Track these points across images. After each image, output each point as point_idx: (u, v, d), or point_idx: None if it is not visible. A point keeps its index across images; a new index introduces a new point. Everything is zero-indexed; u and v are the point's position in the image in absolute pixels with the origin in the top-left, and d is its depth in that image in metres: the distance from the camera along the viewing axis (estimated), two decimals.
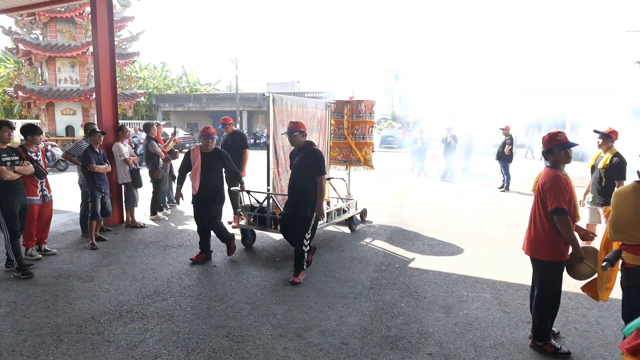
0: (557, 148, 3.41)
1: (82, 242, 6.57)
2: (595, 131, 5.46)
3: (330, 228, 7.26)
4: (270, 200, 5.90)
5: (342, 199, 7.59)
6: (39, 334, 3.74)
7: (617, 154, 5.28)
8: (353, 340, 3.68)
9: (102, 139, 6.55)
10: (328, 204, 7.12)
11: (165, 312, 4.19)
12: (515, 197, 10.60)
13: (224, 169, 5.73)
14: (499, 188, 11.73)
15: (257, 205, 6.16)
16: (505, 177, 11.75)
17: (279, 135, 6.09)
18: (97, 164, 6.28)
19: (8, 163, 4.91)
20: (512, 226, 7.64)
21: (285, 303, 4.38)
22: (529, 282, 5.01)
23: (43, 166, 5.59)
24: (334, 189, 7.69)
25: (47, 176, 5.68)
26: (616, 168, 5.21)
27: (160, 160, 8.00)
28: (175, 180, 8.99)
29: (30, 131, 5.51)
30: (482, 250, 6.26)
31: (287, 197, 5.05)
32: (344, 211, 7.13)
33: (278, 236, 6.58)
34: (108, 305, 4.32)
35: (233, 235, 5.89)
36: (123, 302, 4.41)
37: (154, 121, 9.06)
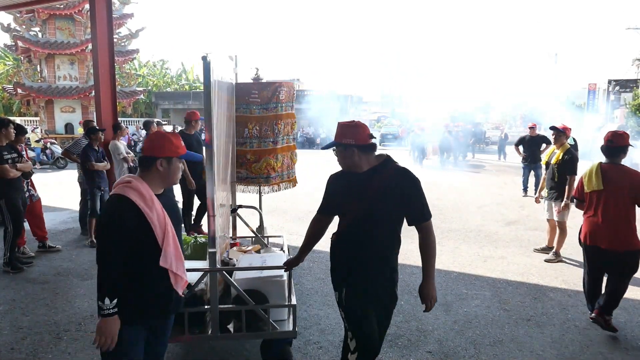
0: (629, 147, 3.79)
1: (82, 239, 6.56)
2: (552, 127, 5.64)
3: None
4: (217, 279, 2.96)
5: (258, 238, 4.58)
6: (38, 332, 3.74)
7: (568, 151, 5.45)
8: None
9: (102, 137, 6.59)
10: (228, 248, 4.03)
11: None
12: (515, 195, 10.59)
13: None
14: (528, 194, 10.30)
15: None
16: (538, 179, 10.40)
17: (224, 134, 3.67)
18: (96, 161, 6.27)
19: (10, 161, 4.91)
20: (512, 224, 7.63)
21: None
22: (528, 280, 5.03)
23: (31, 166, 5.61)
24: (247, 224, 4.56)
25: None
26: (567, 164, 5.37)
27: None
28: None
29: (15, 130, 5.27)
30: (482, 248, 6.25)
31: (339, 264, 2.55)
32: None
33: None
34: None
35: None
36: None
37: (154, 119, 9.04)
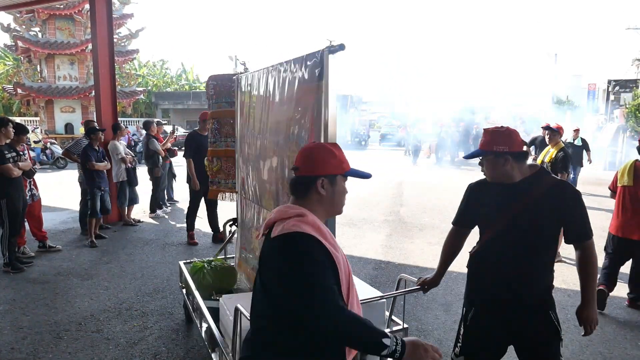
0: None
1: (82, 239, 6.57)
2: (547, 127, 5.71)
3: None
4: None
5: None
6: (38, 332, 3.75)
7: (562, 149, 5.53)
8: None
9: (102, 137, 6.61)
10: None
11: (165, 309, 4.19)
12: None
13: None
14: None
15: None
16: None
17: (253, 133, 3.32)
18: (96, 161, 6.28)
19: (10, 160, 4.93)
20: None
21: None
22: None
23: (31, 165, 5.61)
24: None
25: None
26: (561, 162, 5.46)
27: (160, 158, 7.99)
28: (175, 179, 8.98)
29: (17, 130, 5.26)
30: None
31: (476, 280, 2.44)
32: None
33: None
34: (107, 303, 4.32)
35: None
36: (122, 299, 4.42)
37: (154, 119, 9.04)
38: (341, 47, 2.22)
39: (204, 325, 3.08)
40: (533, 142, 9.81)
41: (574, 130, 10.72)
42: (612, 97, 29.05)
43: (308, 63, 2.46)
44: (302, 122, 2.57)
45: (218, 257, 3.87)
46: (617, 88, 28.72)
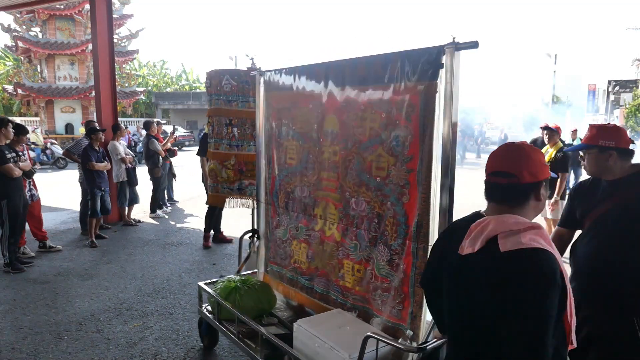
0: None
1: (82, 239, 6.57)
2: (545, 127, 5.75)
3: None
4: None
5: None
6: (38, 332, 3.75)
7: (561, 149, 5.55)
8: None
9: (103, 137, 6.62)
10: None
11: (165, 310, 4.20)
12: None
13: None
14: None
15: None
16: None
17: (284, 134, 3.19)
18: (96, 161, 6.29)
19: (11, 160, 4.94)
20: None
21: None
22: None
23: (30, 165, 5.62)
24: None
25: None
26: (560, 162, 5.47)
27: (160, 158, 8.00)
28: (175, 180, 8.99)
29: (16, 131, 5.24)
30: None
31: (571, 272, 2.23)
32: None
33: None
34: (108, 303, 4.33)
35: None
36: (123, 300, 4.42)
37: (154, 119, 9.05)
38: (474, 44, 2.00)
39: (265, 351, 2.75)
40: (534, 143, 9.83)
41: (572, 131, 10.75)
42: (612, 97, 29.10)
43: (415, 60, 2.27)
44: (397, 124, 2.38)
45: (246, 274, 3.53)
46: (617, 88, 28.77)
